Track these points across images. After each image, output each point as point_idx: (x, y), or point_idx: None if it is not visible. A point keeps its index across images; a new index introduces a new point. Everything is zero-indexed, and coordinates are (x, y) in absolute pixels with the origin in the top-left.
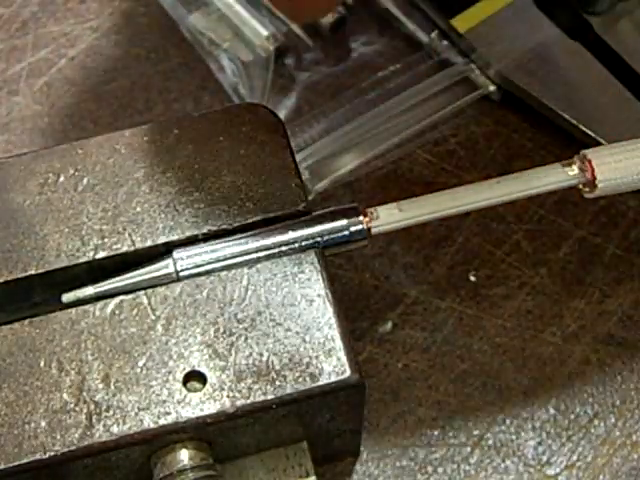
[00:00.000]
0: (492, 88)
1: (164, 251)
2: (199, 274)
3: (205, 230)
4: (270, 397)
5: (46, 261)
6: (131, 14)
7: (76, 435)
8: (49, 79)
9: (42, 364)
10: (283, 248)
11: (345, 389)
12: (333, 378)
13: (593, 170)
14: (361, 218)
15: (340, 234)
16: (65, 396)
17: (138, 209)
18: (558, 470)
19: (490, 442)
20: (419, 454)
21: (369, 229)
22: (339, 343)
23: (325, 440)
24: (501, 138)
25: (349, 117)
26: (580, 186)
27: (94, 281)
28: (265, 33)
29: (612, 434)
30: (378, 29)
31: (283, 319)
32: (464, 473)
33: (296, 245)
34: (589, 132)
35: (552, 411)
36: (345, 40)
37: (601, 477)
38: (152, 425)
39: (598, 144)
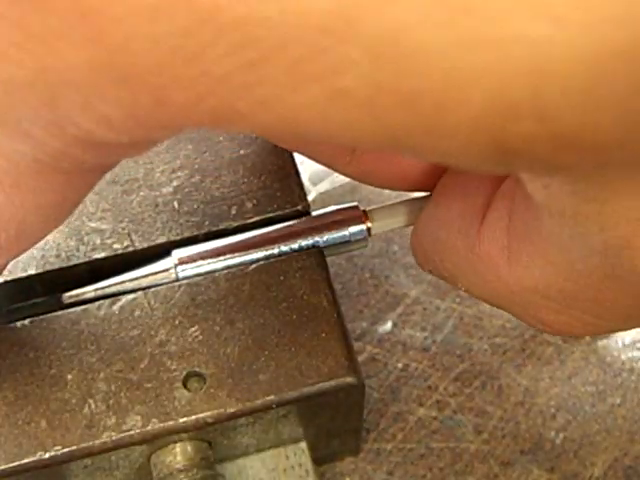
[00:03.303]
0: None
1: (164, 251)
2: (199, 274)
3: (205, 230)
4: (270, 397)
5: (46, 261)
6: None
7: (76, 435)
8: None
9: (42, 364)
10: (283, 248)
11: (344, 389)
12: (333, 378)
13: None
14: (361, 218)
15: (340, 234)
16: (65, 396)
17: (138, 209)
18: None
19: (491, 443)
20: (418, 454)
21: (369, 229)
22: (339, 343)
23: (325, 440)
24: None
25: None
26: None
27: (94, 281)
28: None
29: (612, 432)
30: None
31: (283, 319)
32: (464, 473)
33: (296, 245)
34: None
35: (552, 411)
36: None
37: (599, 474)
38: (152, 425)
39: None
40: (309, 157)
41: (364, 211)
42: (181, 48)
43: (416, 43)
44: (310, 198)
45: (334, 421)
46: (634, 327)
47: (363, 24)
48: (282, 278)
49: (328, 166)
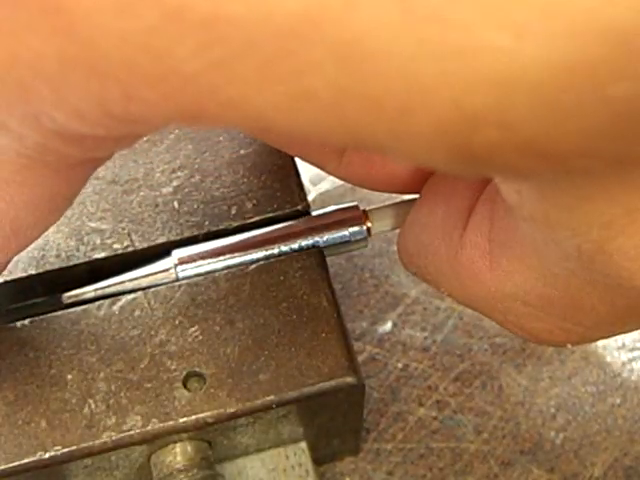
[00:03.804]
0: None
1: (164, 251)
2: (199, 274)
3: (205, 230)
4: (270, 397)
5: (46, 261)
6: None
7: (76, 435)
8: None
9: (42, 364)
10: (283, 248)
11: (344, 389)
12: (333, 378)
13: None
14: (361, 218)
15: (340, 234)
16: (65, 396)
17: (138, 209)
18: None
19: (491, 443)
20: (418, 454)
21: (369, 229)
22: (339, 343)
23: (325, 440)
24: None
25: None
26: None
27: (94, 281)
28: None
29: (612, 432)
30: None
31: (283, 319)
32: (464, 473)
33: (296, 245)
34: None
35: (552, 411)
36: None
37: (599, 474)
38: (152, 425)
39: None
40: (300, 158)
41: (364, 211)
42: (148, 46)
43: (379, 48)
44: (310, 198)
45: (334, 421)
46: (616, 334)
47: (327, 27)
48: (282, 278)
49: (318, 167)
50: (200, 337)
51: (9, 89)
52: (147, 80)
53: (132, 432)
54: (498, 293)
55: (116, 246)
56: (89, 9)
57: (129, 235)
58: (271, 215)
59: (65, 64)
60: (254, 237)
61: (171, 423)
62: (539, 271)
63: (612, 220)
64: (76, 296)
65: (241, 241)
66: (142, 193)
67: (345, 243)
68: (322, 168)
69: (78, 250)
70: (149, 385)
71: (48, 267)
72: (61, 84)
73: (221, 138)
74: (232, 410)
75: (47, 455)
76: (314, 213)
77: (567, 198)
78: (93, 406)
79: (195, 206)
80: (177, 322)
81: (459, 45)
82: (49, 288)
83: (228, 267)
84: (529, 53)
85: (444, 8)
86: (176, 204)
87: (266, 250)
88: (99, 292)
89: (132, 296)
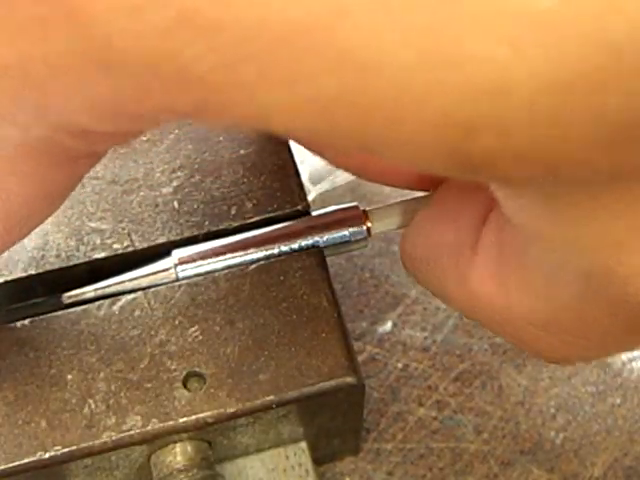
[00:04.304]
0: None
1: (164, 251)
2: (199, 274)
3: (205, 230)
4: (270, 397)
5: (46, 261)
6: None
7: (76, 435)
8: None
9: (42, 364)
10: (283, 248)
11: (344, 389)
12: (332, 378)
13: None
14: (361, 218)
15: (340, 234)
16: (65, 396)
17: (138, 209)
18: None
19: (491, 443)
20: (418, 454)
21: (369, 229)
22: (339, 343)
23: (325, 440)
24: None
25: None
26: None
27: (94, 281)
28: None
29: (612, 432)
30: None
31: (283, 319)
32: (464, 473)
33: (296, 245)
34: None
35: (552, 411)
36: None
37: (599, 474)
38: (152, 425)
39: None
40: (297, 143)
41: (364, 211)
42: (161, 46)
43: (370, 59)
44: (310, 198)
45: (334, 421)
46: (621, 351)
47: (318, 36)
48: (282, 278)
49: (316, 154)
50: (200, 337)
51: (22, 83)
52: (158, 79)
53: (132, 432)
54: (504, 315)
55: (116, 246)
56: (104, 10)
57: (129, 235)
58: (271, 215)
59: (80, 60)
60: (254, 237)
61: (171, 423)
62: (547, 297)
63: (616, 236)
64: (76, 296)
65: (241, 241)
66: (142, 193)
67: (345, 243)
68: (320, 155)
69: (78, 250)
70: (149, 385)
71: (48, 267)
72: (74, 79)
73: (221, 138)
74: (232, 410)
75: (47, 455)
76: (314, 213)
77: (570, 214)
78: (93, 406)
79: (195, 206)
80: (177, 322)
81: (453, 56)
82: (49, 288)
83: (228, 267)
84: (525, 65)
85: (438, 20)
86: (176, 204)
87: (266, 250)
88: (99, 292)
89: (132, 296)
